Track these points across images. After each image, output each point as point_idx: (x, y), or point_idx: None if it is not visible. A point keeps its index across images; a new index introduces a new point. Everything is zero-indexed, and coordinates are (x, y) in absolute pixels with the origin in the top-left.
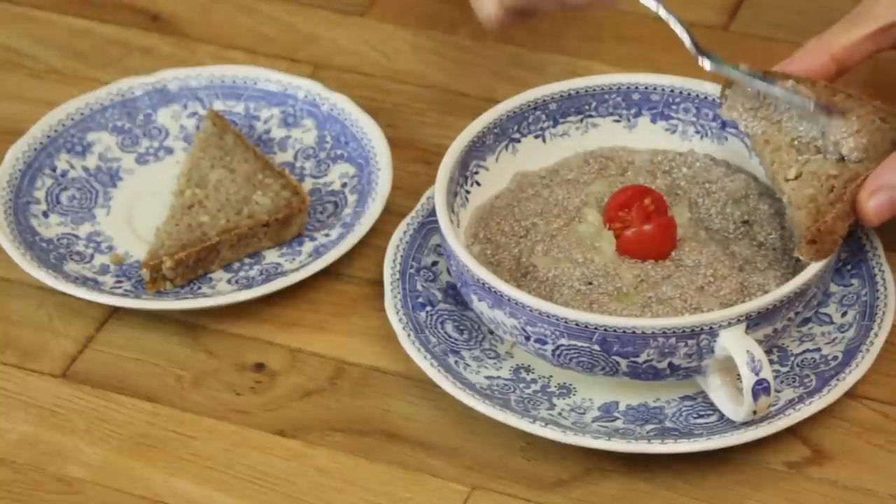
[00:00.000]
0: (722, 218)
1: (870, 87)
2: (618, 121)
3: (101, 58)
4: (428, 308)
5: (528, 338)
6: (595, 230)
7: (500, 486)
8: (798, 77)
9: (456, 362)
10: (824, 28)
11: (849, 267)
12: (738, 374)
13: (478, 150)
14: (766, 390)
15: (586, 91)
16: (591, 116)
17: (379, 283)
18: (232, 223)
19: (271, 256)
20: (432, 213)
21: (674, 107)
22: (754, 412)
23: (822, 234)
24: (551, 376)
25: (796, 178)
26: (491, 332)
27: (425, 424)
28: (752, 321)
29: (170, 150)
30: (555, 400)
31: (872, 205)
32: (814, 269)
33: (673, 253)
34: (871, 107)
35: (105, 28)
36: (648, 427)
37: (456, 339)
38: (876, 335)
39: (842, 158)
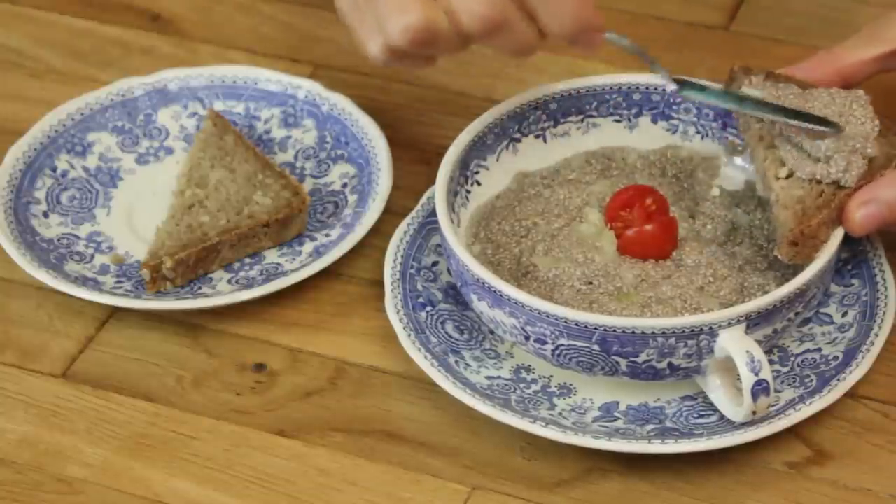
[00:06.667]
0: (723, 218)
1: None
2: (618, 121)
3: (101, 58)
4: (428, 308)
5: (527, 338)
6: (596, 230)
7: (500, 486)
8: (801, 82)
9: (456, 362)
10: (823, 29)
11: (849, 267)
12: (738, 375)
13: (478, 149)
14: (766, 391)
15: (587, 91)
16: (591, 116)
17: (379, 283)
18: (232, 223)
19: (271, 256)
20: (432, 213)
21: (674, 107)
22: (754, 412)
23: (804, 238)
24: (551, 376)
25: (787, 177)
26: (491, 333)
27: (425, 424)
28: (752, 321)
29: (170, 151)
30: (555, 400)
31: (861, 215)
32: (814, 269)
33: (674, 253)
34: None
35: (105, 28)
36: (649, 427)
37: (456, 339)
38: (876, 335)
39: (836, 181)
